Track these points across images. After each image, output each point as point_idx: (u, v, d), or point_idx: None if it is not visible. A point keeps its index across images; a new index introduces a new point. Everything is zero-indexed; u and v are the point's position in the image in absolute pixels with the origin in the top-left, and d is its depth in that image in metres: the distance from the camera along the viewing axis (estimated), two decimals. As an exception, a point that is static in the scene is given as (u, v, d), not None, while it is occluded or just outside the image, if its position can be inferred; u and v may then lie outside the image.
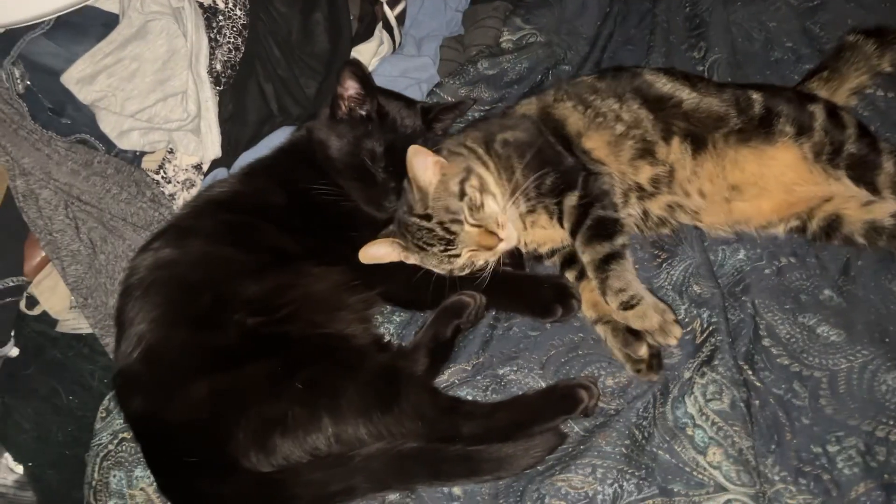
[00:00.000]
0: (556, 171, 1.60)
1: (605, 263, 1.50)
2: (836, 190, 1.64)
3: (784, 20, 2.16)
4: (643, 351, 1.45)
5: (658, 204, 1.66)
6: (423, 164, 1.53)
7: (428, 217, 1.54)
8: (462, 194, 1.54)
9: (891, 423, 1.36)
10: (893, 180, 1.60)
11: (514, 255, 1.67)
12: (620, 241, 1.53)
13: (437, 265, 1.57)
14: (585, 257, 1.54)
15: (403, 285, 1.58)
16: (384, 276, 1.57)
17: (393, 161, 1.62)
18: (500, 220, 1.55)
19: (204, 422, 1.29)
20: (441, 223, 1.53)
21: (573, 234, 1.57)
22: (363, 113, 1.63)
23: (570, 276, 1.65)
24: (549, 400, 1.40)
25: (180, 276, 1.44)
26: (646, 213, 1.67)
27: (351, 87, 1.61)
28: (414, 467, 1.30)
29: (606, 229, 1.54)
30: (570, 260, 1.66)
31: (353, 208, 1.63)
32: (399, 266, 1.59)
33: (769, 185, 1.64)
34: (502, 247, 1.55)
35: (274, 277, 1.43)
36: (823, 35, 2.11)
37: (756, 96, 1.68)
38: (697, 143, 1.65)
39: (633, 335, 1.48)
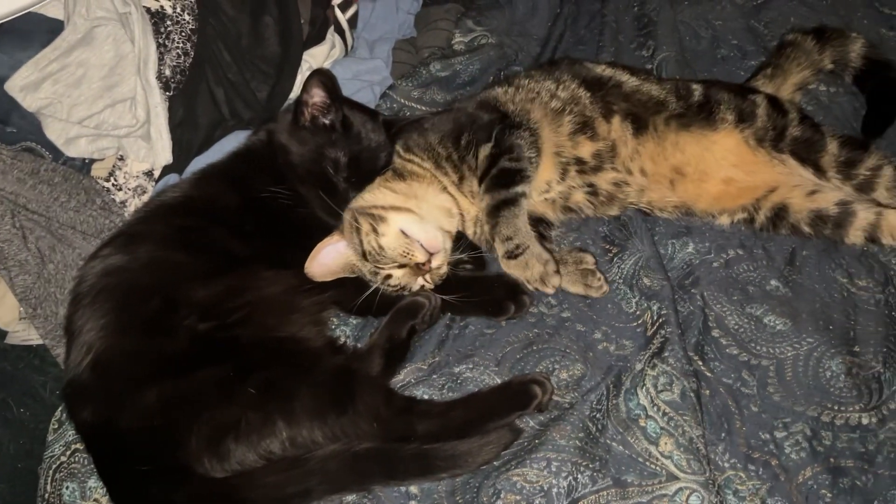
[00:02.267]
0: (471, 129, 1.65)
1: (498, 209, 1.54)
2: (781, 177, 1.68)
3: (730, 18, 2.22)
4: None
5: (605, 179, 1.69)
6: (335, 252, 1.56)
7: (371, 281, 1.57)
8: (363, 254, 1.55)
9: (835, 407, 1.41)
10: (837, 160, 1.65)
11: (476, 254, 1.68)
12: (519, 188, 1.57)
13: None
14: (483, 203, 1.59)
15: (354, 291, 1.58)
16: (336, 280, 1.57)
17: (355, 172, 1.62)
18: (406, 247, 1.54)
19: (155, 429, 1.27)
20: (379, 281, 1.56)
21: (480, 181, 1.61)
22: (326, 122, 1.62)
23: None
24: (503, 397, 1.41)
25: (129, 283, 1.42)
26: (592, 186, 1.69)
27: (317, 95, 1.60)
28: (370, 467, 1.30)
29: (508, 177, 1.57)
30: None
31: (309, 214, 1.61)
32: None
33: (711, 169, 1.68)
34: (435, 262, 1.56)
35: (225, 281, 1.42)
36: (768, 33, 2.17)
37: (696, 86, 1.74)
38: (638, 124, 1.70)
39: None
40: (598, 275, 1.60)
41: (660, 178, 1.70)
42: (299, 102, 1.62)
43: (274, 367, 1.32)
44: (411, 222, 1.57)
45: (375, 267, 1.55)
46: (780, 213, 1.67)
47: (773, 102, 1.71)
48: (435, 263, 1.56)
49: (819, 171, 1.66)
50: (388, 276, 1.56)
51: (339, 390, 1.33)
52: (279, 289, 1.46)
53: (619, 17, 2.28)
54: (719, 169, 1.68)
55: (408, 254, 1.54)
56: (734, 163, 1.68)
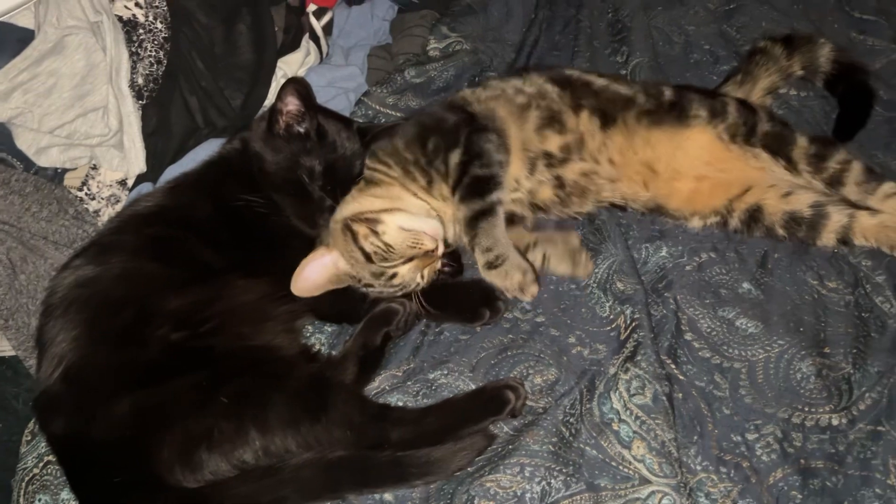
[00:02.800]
0: (438, 133, 1.65)
1: (476, 220, 1.56)
2: (755, 175, 1.70)
3: (702, 24, 2.24)
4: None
5: (572, 170, 1.70)
6: (321, 267, 1.55)
7: (371, 285, 1.58)
8: (367, 257, 1.55)
9: (805, 409, 1.42)
10: (808, 153, 1.68)
11: (454, 257, 1.69)
12: (494, 196, 1.58)
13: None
14: (459, 213, 1.59)
15: (329, 298, 1.58)
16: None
17: (330, 180, 1.62)
18: (412, 238, 1.54)
19: (126, 440, 1.26)
20: (383, 283, 1.56)
21: (453, 191, 1.62)
22: (301, 130, 1.61)
23: None
24: (477, 402, 1.41)
25: (101, 293, 1.41)
26: (560, 178, 1.70)
27: (291, 104, 1.59)
28: (343, 475, 1.30)
29: (481, 186, 1.58)
30: None
31: (284, 223, 1.61)
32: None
33: (684, 167, 1.70)
34: (441, 248, 1.57)
35: (198, 291, 1.41)
36: (740, 37, 2.20)
37: (666, 88, 1.77)
38: (606, 119, 1.72)
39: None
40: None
41: (631, 175, 1.72)
42: (273, 111, 1.61)
43: (247, 376, 1.32)
44: (406, 218, 1.58)
45: (382, 267, 1.54)
46: (754, 215, 1.69)
47: (742, 103, 1.75)
48: (441, 249, 1.58)
49: (791, 163, 1.69)
50: (394, 275, 1.56)
51: (312, 398, 1.33)
52: (253, 297, 1.46)
53: (594, 23, 2.30)
54: (692, 167, 1.70)
55: (416, 244, 1.54)
56: (707, 160, 1.70)
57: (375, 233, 1.55)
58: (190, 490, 1.26)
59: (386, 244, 1.54)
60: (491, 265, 1.54)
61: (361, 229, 1.56)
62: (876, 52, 2.08)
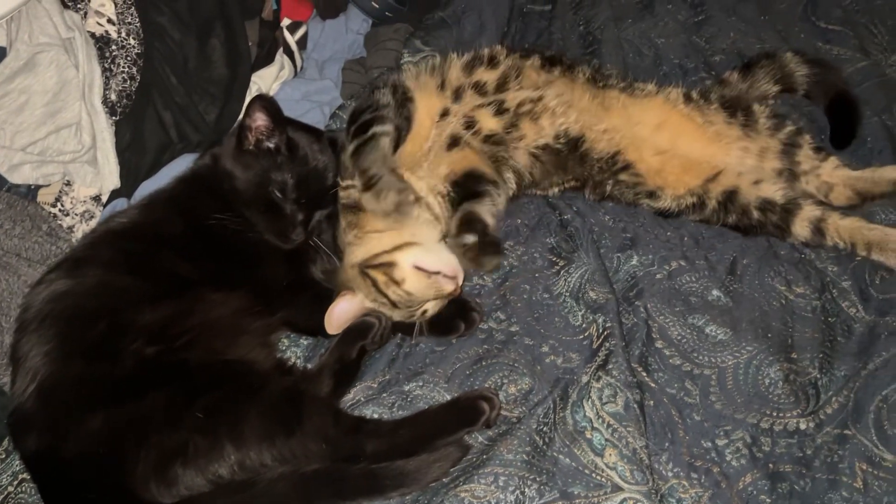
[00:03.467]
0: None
1: (357, 150, 1.59)
2: (716, 152, 1.75)
3: (671, 35, 2.27)
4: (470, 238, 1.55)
5: (513, 97, 1.72)
6: (347, 309, 1.57)
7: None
8: (393, 304, 1.57)
9: (774, 414, 1.44)
10: (766, 114, 1.77)
11: None
12: (375, 129, 1.61)
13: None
14: (348, 151, 1.63)
15: (306, 311, 1.59)
16: (286, 302, 1.58)
17: (303, 193, 1.62)
18: (432, 285, 1.56)
19: (100, 456, 1.26)
20: (412, 317, 1.59)
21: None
22: (271, 145, 1.61)
23: None
24: (451, 413, 1.43)
25: (75, 307, 1.41)
26: (500, 104, 1.71)
27: (259, 120, 1.59)
28: (318, 489, 1.30)
29: (366, 126, 1.62)
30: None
31: (258, 238, 1.61)
32: (301, 290, 1.61)
33: (637, 119, 1.75)
34: (461, 280, 1.58)
35: (172, 305, 1.42)
36: (708, 48, 2.24)
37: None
38: (552, 64, 1.80)
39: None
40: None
41: (585, 108, 1.74)
42: (242, 127, 1.61)
43: (222, 391, 1.32)
44: (420, 254, 1.58)
45: (410, 311, 1.58)
46: (730, 198, 1.73)
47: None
48: (461, 282, 1.58)
49: (749, 118, 1.76)
50: (425, 311, 1.59)
51: (287, 412, 1.33)
52: (227, 311, 1.47)
53: (566, 36, 2.32)
54: (644, 129, 1.74)
55: (437, 290, 1.56)
56: (657, 125, 1.74)
57: (395, 281, 1.56)
58: None
59: (407, 293, 1.56)
60: (366, 185, 1.55)
61: (380, 277, 1.57)
62: (842, 61, 2.11)
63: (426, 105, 1.72)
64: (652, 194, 1.76)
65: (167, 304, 1.42)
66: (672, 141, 1.74)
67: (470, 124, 1.70)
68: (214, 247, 1.56)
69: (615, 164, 1.75)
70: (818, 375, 1.49)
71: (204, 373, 1.37)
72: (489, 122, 1.71)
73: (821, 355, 1.52)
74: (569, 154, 1.74)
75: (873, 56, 2.13)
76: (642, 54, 2.23)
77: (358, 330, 1.56)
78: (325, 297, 1.59)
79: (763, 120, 1.75)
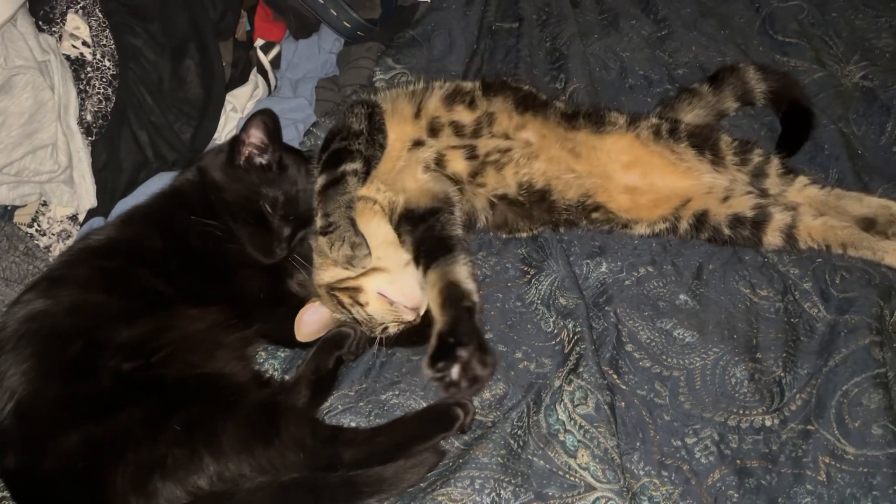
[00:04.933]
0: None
1: (326, 189, 1.60)
2: (686, 185, 1.77)
3: (636, 50, 2.33)
4: (427, 372, 1.47)
5: (485, 144, 1.75)
6: (317, 316, 1.60)
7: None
8: (356, 322, 1.61)
9: (740, 412, 1.48)
10: (732, 145, 1.78)
11: None
12: (343, 167, 1.62)
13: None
14: (317, 185, 1.63)
15: (283, 323, 1.61)
16: (263, 315, 1.61)
17: (291, 212, 1.65)
18: (393, 312, 1.59)
19: (78, 472, 1.27)
20: (376, 333, 1.61)
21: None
22: (263, 161, 1.65)
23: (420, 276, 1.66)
24: (426, 420, 1.45)
25: (51, 326, 1.42)
26: (472, 148, 1.74)
27: (255, 136, 1.63)
28: (296, 497, 1.32)
29: (338, 157, 1.63)
30: (417, 253, 1.65)
31: (235, 252, 1.63)
32: (278, 303, 1.63)
33: (606, 168, 1.77)
34: (422, 311, 1.61)
35: (149, 321, 1.43)
36: (672, 61, 2.30)
37: (584, 107, 1.87)
38: (524, 106, 1.79)
39: (437, 350, 1.47)
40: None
41: (554, 157, 1.76)
42: (237, 141, 1.65)
43: (199, 404, 1.34)
44: (384, 282, 1.61)
45: (371, 329, 1.61)
46: (701, 219, 1.76)
47: (663, 115, 1.86)
48: (422, 311, 1.62)
49: (717, 156, 1.77)
50: (386, 329, 1.61)
51: (264, 423, 1.35)
52: (204, 326, 1.48)
53: (533, 52, 2.37)
54: (614, 169, 1.76)
55: (397, 318, 1.60)
56: (627, 163, 1.77)
57: (359, 303, 1.59)
58: None
59: (369, 316, 1.60)
60: (323, 230, 1.57)
61: (345, 298, 1.60)
62: (799, 73, 2.18)
63: (398, 131, 1.75)
64: (626, 225, 1.80)
65: (144, 321, 1.44)
66: (642, 178, 1.77)
67: (439, 161, 1.74)
68: (192, 262, 1.58)
69: (585, 207, 1.78)
70: (782, 374, 1.53)
71: (181, 387, 1.38)
72: (458, 164, 1.75)
73: (784, 355, 1.56)
74: (534, 204, 1.77)
75: (829, 67, 2.21)
76: (608, 68, 2.29)
77: (334, 340, 1.59)
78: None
79: (730, 157, 1.77)
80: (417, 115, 1.76)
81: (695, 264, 1.76)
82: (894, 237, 1.71)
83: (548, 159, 1.75)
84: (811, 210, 1.75)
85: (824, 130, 2.00)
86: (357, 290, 1.60)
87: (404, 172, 1.73)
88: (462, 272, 1.56)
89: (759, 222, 1.73)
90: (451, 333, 1.47)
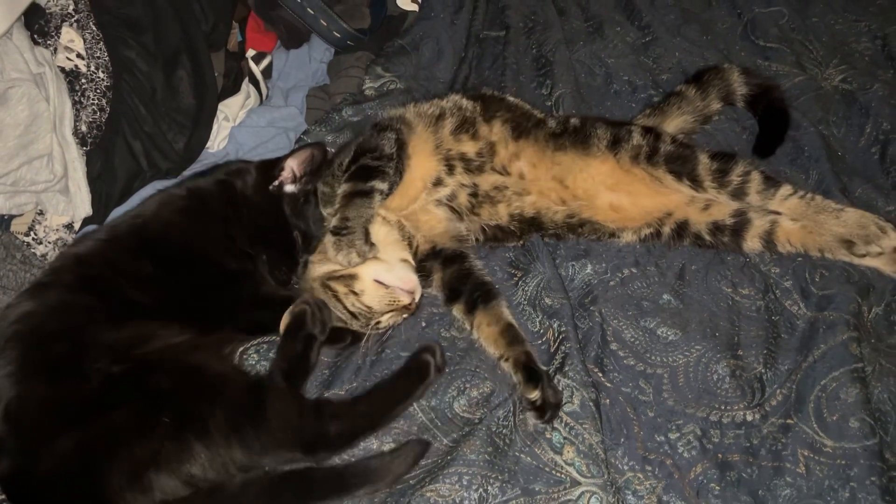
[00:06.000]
0: (352, 147, 1.75)
1: (353, 196, 1.65)
2: (667, 200, 1.80)
3: (621, 56, 2.36)
4: (534, 394, 1.48)
5: (486, 181, 1.80)
6: None
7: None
8: (352, 315, 1.64)
9: (722, 407, 1.52)
10: (710, 169, 1.77)
11: None
12: (373, 183, 1.67)
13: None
14: (340, 191, 1.67)
15: (272, 321, 1.63)
16: (247, 319, 1.65)
17: (309, 244, 1.71)
18: (389, 296, 1.63)
19: (73, 473, 1.28)
20: (369, 329, 1.65)
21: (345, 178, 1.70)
22: (294, 190, 1.69)
23: (457, 312, 1.73)
24: (402, 377, 1.52)
25: (36, 328, 1.43)
26: (475, 186, 1.80)
27: (300, 166, 1.68)
28: (287, 491, 1.35)
29: (366, 173, 1.68)
30: (454, 293, 1.74)
31: (242, 272, 1.65)
32: (262, 307, 1.66)
33: (592, 190, 1.80)
34: (418, 296, 1.66)
35: (133, 327, 1.44)
36: (656, 67, 2.34)
37: (574, 118, 1.89)
38: (519, 131, 1.82)
39: (529, 374, 1.52)
40: None
41: (544, 190, 1.81)
42: (277, 166, 1.69)
43: (186, 396, 1.36)
44: (381, 270, 1.65)
45: (366, 322, 1.64)
46: (682, 227, 1.80)
47: (647, 129, 1.85)
48: (418, 297, 1.66)
49: (696, 182, 1.77)
50: (378, 323, 1.65)
51: (249, 405, 1.38)
52: (188, 336, 1.50)
53: (520, 59, 2.41)
54: (599, 191, 1.80)
55: (393, 302, 1.63)
56: (611, 186, 1.80)
57: (354, 292, 1.63)
58: None
59: (367, 306, 1.63)
60: (336, 230, 1.62)
61: (340, 288, 1.64)
62: (780, 77, 2.22)
63: (423, 167, 1.78)
64: (613, 234, 1.84)
65: (130, 327, 1.45)
66: (626, 198, 1.82)
67: (451, 197, 1.80)
68: (179, 276, 1.58)
69: (572, 225, 1.84)
70: (763, 370, 1.57)
71: (168, 383, 1.39)
72: (463, 199, 1.81)
73: (765, 351, 1.60)
74: (523, 229, 1.84)
75: (810, 71, 2.25)
76: (594, 74, 2.32)
77: (294, 324, 1.58)
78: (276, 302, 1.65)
79: (708, 181, 1.77)
80: (437, 147, 1.80)
81: (678, 265, 1.79)
82: (871, 256, 1.72)
83: (538, 192, 1.81)
84: (790, 216, 1.78)
85: (805, 133, 2.03)
86: (353, 278, 1.64)
87: (424, 210, 1.80)
88: (512, 317, 1.67)
89: (738, 229, 1.77)
90: (532, 362, 1.56)
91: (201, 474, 1.30)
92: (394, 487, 1.41)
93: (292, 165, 1.68)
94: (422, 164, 1.78)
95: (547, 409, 1.47)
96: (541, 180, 1.81)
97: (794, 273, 1.74)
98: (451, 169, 1.79)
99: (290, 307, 1.58)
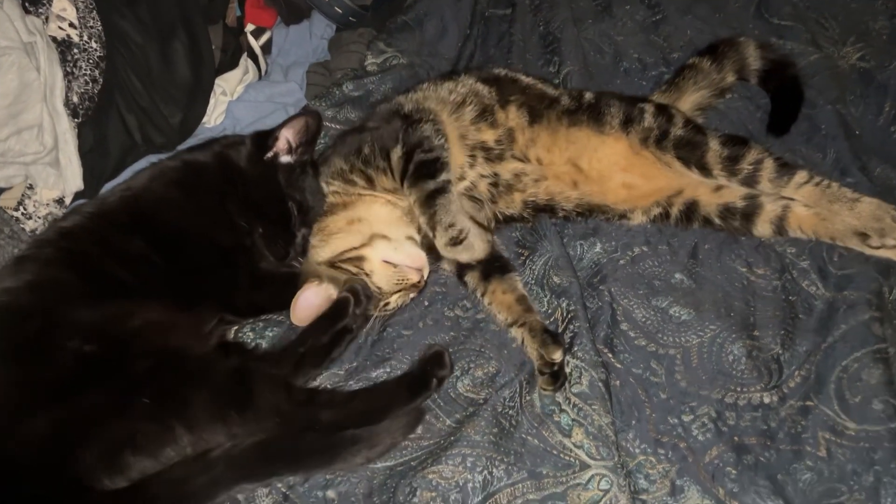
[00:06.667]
0: (371, 139, 1.68)
1: (431, 199, 1.58)
2: (679, 180, 1.74)
3: (630, 34, 2.30)
4: (558, 355, 1.45)
5: (507, 169, 1.75)
6: (314, 298, 1.55)
7: None
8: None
9: (738, 389, 1.46)
10: (721, 157, 1.70)
11: None
12: (443, 177, 1.61)
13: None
14: (412, 196, 1.61)
15: (272, 301, 1.60)
16: (245, 301, 1.59)
17: (308, 217, 1.64)
18: (398, 275, 1.59)
19: (48, 454, 1.23)
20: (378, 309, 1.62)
21: (402, 181, 1.64)
22: (290, 160, 1.63)
23: (471, 280, 1.69)
24: (404, 384, 1.45)
25: (11, 304, 1.36)
26: (496, 176, 1.74)
27: (294, 135, 1.62)
28: (275, 454, 1.30)
29: (429, 168, 1.61)
30: (469, 264, 1.70)
31: (236, 247, 1.59)
32: (259, 287, 1.61)
33: (606, 171, 1.75)
34: (426, 274, 1.63)
35: (112, 306, 1.38)
36: (667, 45, 2.27)
37: (588, 93, 1.83)
38: (533, 114, 1.77)
39: (551, 337, 1.49)
40: None
41: (558, 173, 1.76)
42: (271, 136, 1.62)
43: (167, 376, 1.30)
44: (389, 249, 1.62)
45: (375, 304, 1.60)
46: (691, 208, 1.74)
47: (661, 109, 1.78)
48: (426, 275, 1.62)
49: (704, 170, 1.71)
50: (387, 304, 1.62)
51: (236, 389, 1.33)
52: (161, 312, 1.43)
53: (526, 37, 2.35)
54: (612, 172, 1.75)
55: (402, 281, 1.59)
56: (624, 167, 1.75)
57: (365, 272, 1.59)
58: (119, 489, 1.23)
59: (377, 286, 1.59)
60: (455, 241, 1.56)
61: (352, 268, 1.60)
62: (795, 55, 2.13)
63: (454, 159, 1.72)
64: (623, 216, 1.79)
65: (106, 306, 1.38)
66: (638, 178, 1.77)
67: (471, 188, 1.75)
68: (170, 252, 1.51)
69: (584, 208, 1.79)
70: (780, 351, 1.51)
71: (147, 363, 1.33)
72: (483, 190, 1.76)
73: (782, 332, 1.54)
74: (534, 216, 1.80)
75: (825, 49, 2.17)
76: (603, 52, 2.26)
77: (332, 313, 1.54)
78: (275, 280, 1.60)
79: (718, 170, 1.71)
80: (463, 137, 1.74)
81: (690, 244, 1.74)
82: (886, 248, 1.64)
83: (554, 176, 1.76)
84: (804, 202, 1.71)
85: (821, 111, 1.97)
86: (361, 259, 1.60)
87: None
88: (525, 291, 1.66)
89: (749, 213, 1.71)
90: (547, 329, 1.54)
91: (179, 455, 1.25)
92: (385, 456, 1.37)
93: (287, 135, 1.62)
94: (455, 155, 1.72)
95: (560, 376, 1.44)
96: (556, 164, 1.77)
97: (811, 253, 1.68)
98: (473, 159, 1.74)
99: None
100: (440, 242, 1.57)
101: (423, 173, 1.61)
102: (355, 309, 1.55)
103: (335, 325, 1.54)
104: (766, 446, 1.38)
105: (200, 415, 1.28)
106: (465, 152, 1.73)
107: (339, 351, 1.56)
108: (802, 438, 1.38)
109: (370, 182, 1.69)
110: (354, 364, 1.56)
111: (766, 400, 1.44)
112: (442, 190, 1.59)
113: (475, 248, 1.56)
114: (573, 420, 1.39)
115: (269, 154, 1.63)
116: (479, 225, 1.67)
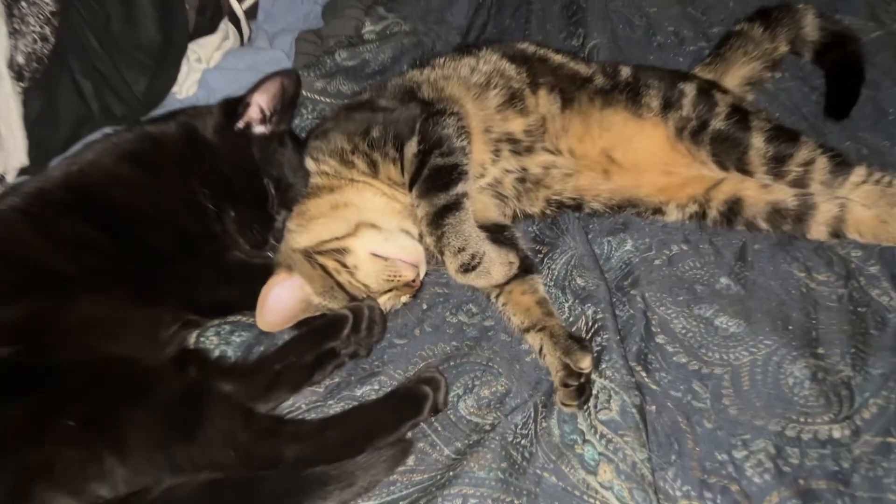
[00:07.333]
0: (384, 122, 1.49)
1: (441, 217, 1.38)
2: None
3: (664, 6, 2.15)
4: (587, 362, 1.28)
5: (536, 162, 1.57)
6: (289, 292, 1.37)
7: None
8: (351, 296, 1.41)
9: (801, 419, 1.25)
10: (767, 157, 1.51)
11: None
12: (459, 188, 1.41)
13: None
14: (420, 211, 1.42)
15: (241, 299, 1.38)
16: (209, 296, 1.38)
17: (289, 197, 1.45)
18: (388, 270, 1.40)
19: None
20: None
21: (411, 186, 1.45)
22: (264, 132, 1.44)
23: None
24: (388, 406, 1.25)
25: None
26: (524, 171, 1.56)
27: (267, 99, 1.42)
28: (228, 498, 1.09)
29: (444, 178, 1.42)
30: None
31: (201, 234, 1.39)
32: (227, 280, 1.41)
33: (641, 159, 1.57)
34: (423, 273, 1.45)
35: (38, 300, 1.18)
36: (706, 19, 2.11)
37: (625, 67, 1.65)
38: (565, 98, 1.59)
39: (577, 343, 1.32)
40: None
41: (590, 164, 1.57)
42: (242, 102, 1.43)
43: (100, 393, 1.09)
44: (378, 240, 1.43)
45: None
46: (733, 208, 1.55)
47: (703, 91, 1.59)
48: (422, 274, 1.46)
49: (745, 171, 1.52)
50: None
51: (182, 414, 1.12)
52: (108, 307, 1.23)
53: (547, 6, 2.20)
54: (651, 163, 1.57)
55: (393, 277, 1.39)
56: (665, 160, 1.57)
57: (346, 267, 1.40)
58: None
59: (363, 284, 1.42)
60: (467, 267, 1.36)
61: (330, 262, 1.41)
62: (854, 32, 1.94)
63: (475, 155, 1.54)
64: (657, 210, 1.62)
65: (31, 300, 1.19)
66: (676, 167, 1.59)
67: (494, 184, 1.57)
68: (120, 239, 1.32)
69: (614, 204, 1.62)
70: (851, 374, 1.30)
71: (76, 374, 1.13)
72: (507, 185, 1.58)
73: (852, 350, 1.34)
74: (557, 214, 1.63)
75: (887, 25, 1.99)
76: (633, 25, 2.10)
77: (326, 327, 1.35)
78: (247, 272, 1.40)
79: (761, 173, 1.51)
80: (486, 130, 1.55)
81: (737, 243, 1.56)
82: None
83: (586, 168, 1.60)
84: (862, 202, 1.53)
85: (887, 93, 1.80)
86: (346, 251, 1.40)
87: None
88: (546, 294, 1.49)
89: (801, 215, 1.53)
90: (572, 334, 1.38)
91: (109, 492, 1.03)
92: (366, 495, 1.15)
93: (259, 101, 1.42)
94: (475, 151, 1.52)
95: (586, 390, 1.27)
96: (588, 156, 1.58)
97: (881, 256, 1.49)
98: (497, 154, 1.54)
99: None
100: (450, 268, 1.38)
101: (435, 183, 1.41)
102: (351, 334, 1.35)
103: (323, 345, 1.34)
104: (839, 492, 1.16)
105: (137, 443, 1.07)
106: (489, 147, 1.53)
107: (321, 375, 1.35)
108: (884, 484, 1.16)
109: (373, 167, 1.48)
110: (336, 380, 1.35)
111: (836, 434, 1.22)
112: (454, 206, 1.38)
113: (492, 274, 1.36)
114: (600, 454, 1.18)
115: (240, 124, 1.42)
116: (500, 232, 1.49)
